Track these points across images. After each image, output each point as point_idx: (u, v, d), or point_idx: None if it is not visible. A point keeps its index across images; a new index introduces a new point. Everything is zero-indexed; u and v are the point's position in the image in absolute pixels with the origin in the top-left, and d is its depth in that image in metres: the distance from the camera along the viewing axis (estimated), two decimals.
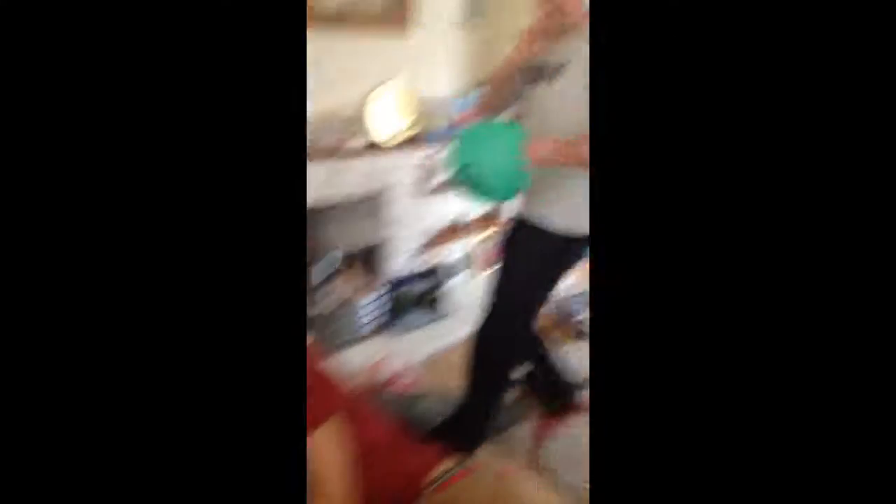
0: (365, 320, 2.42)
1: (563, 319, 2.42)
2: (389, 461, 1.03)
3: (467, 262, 2.75)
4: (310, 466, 0.93)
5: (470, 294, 2.43)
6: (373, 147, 2.23)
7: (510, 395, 1.75)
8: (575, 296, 2.43)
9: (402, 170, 2.32)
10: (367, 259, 2.47)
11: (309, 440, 0.94)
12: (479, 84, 2.30)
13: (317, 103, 2.05)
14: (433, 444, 1.15)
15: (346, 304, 2.35)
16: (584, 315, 2.38)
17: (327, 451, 0.96)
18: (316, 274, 2.30)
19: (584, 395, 1.80)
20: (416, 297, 2.45)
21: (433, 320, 2.45)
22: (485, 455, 1.62)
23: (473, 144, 1.30)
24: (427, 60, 2.46)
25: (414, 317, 2.43)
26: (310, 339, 2.18)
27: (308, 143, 2.02)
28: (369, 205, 2.31)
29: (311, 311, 2.23)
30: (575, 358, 1.93)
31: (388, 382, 2.19)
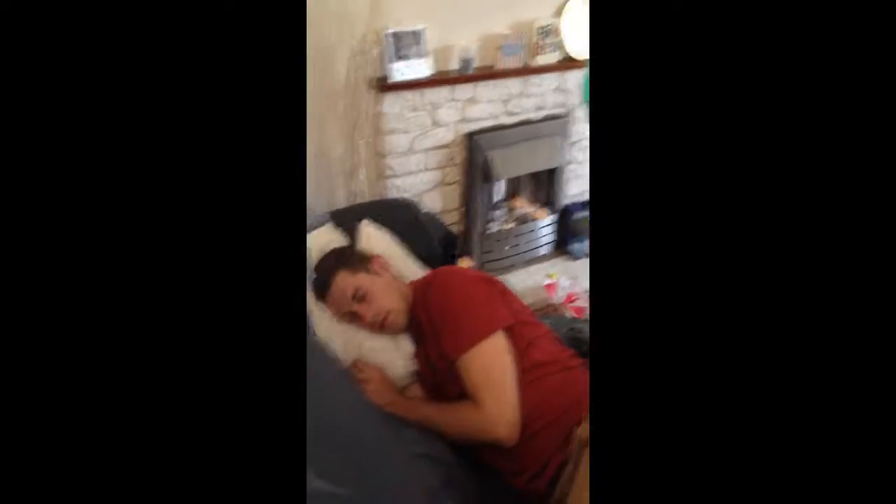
0: (541, 242, 2.42)
1: None
2: (556, 381, 1.04)
3: None
4: (481, 372, 0.99)
5: None
6: (567, 61, 2.13)
7: None
8: None
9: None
10: (546, 181, 2.42)
11: (479, 348, 1.00)
12: None
13: (510, 15, 1.99)
14: None
15: (522, 225, 2.36)
16: None
17: (497, 359, 1.01)
18: (490, 195, 2.32)
19: None
20: None
21: None
22: None
23: None
24: None
25: (588, 244, 2.36)
26: (481, 258, 2.25)
27: (496, 60, 1.98)
28: (552, 125, 2.23)
29: (489, 229, 2.28)
30: None
31: (561, 304, 2.19)
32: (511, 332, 1.05)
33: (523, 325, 1.08)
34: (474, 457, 1.06)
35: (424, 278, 1.17)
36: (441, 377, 1.09)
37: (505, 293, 1.14)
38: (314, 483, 0.53)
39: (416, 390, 1.17)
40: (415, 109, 1.89)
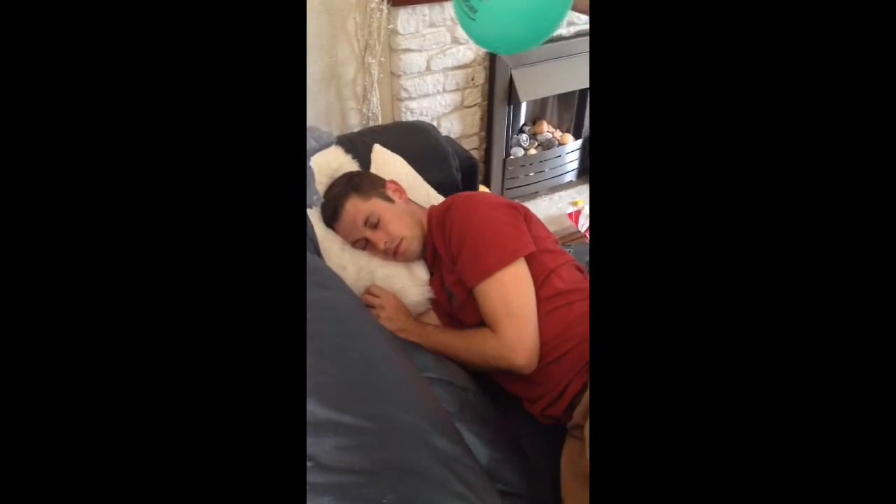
0: (566, 168, 2.33)
1: None
2: (577, 310, 1.01)
3: None
4: (501, 300, 0.97)
5: None
6: None
7: None
8: None
9: None
10: (573, 103, 2.30)
11: (499, 275, 0.97)
12: None
13: None
14: None
15: (547, 151, 2.27)
16: None
17: (517, 287, 0.98)
18: (512, 118, 2.22)
19: None
20: None
21: None
22: None
23: None
24: None
25: None
26: (504, 185, 2.19)
27: None
28: (584, 42, 2.08)
29: (512, 155, 2.20)
30: None
31: (585, 232, 2.14)
32: (532, 259, 1.01)
33: (545, 252, 1.04)
34: (492, 382, 1.05)
35: (442, 203, 1.13)
36: (457, 305, 1.07)
37: (528, 219, 1.09)
38: (316, 412, 0.51)
39: (432, 318, 1.16)
40: (432, 25, 1.77)
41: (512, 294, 0.98)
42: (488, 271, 0.97)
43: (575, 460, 0.95)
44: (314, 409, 0.50)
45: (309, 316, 0.57)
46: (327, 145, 1.01)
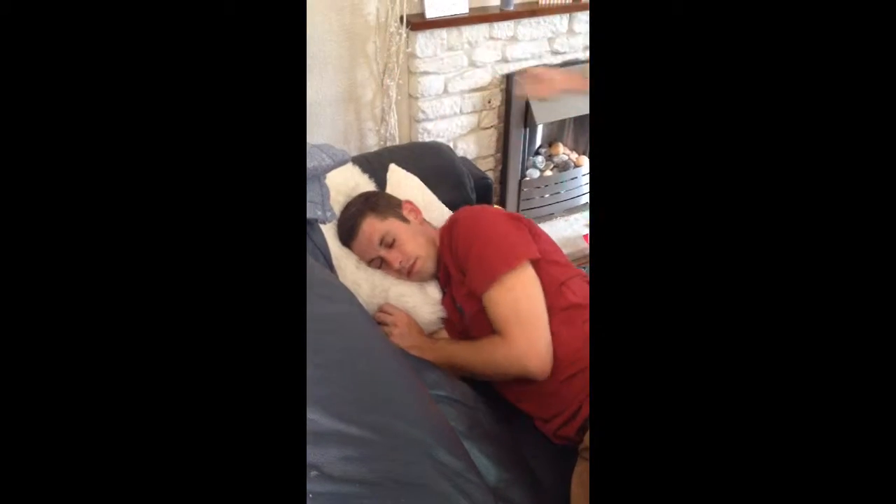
0: (581, 190, 2.33)
1: None
2: (587, 326, 0.99)
3: None
4: (509, 305, 0.97)
5: None
6: None
7: None
8: None
9: None
10: (586, 129, 2.31)
11: (506, 280, 0.97)
12: None
13: None
14: None
15: (562, 173, 2.27)
16: None
17: (525, 291, 0.98)
18: (529, 140, 2.23)
19: None
20: None
21: None
22: None
23: None
24: None
25: None
26: (519, 206, 2.19)
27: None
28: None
29: (527, 176, 2.21)
30: None
31: None
32: (539, 267, 1.01)
33: (552, 263, 1.04)
34: (506, 400, 1.04)
35: (448, 219, 1.14)
36: (468, 321, 1.07)
37: (533, 231, 1.09)
38: (320, 421, 0.51)
39: (443, 336, 1.16)
40: (450, 49, 1.81)
41: (520, 299, 0.97)
42: (495, 275, 0.97)
43: (586, 482, 0.93)
44: (319, 419, 0.50)
45: (316, 328, 0.58)
46: (342, 163, 1.03)
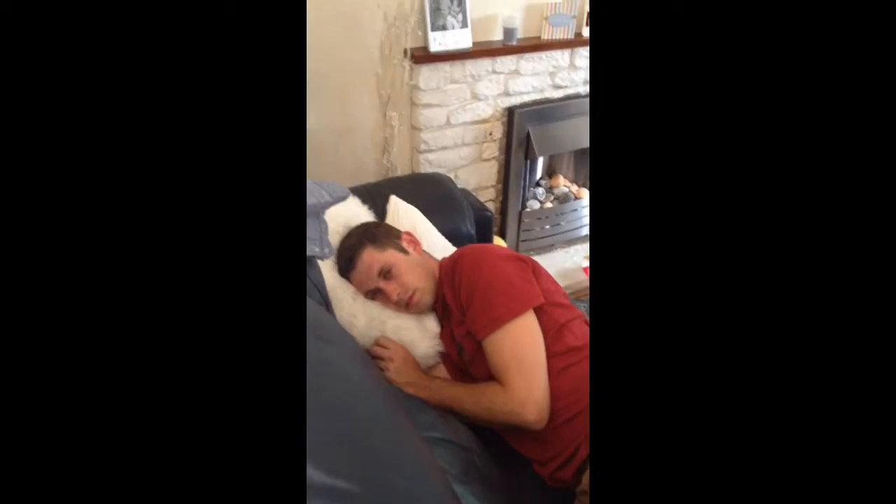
0: (582, 222, 2.33)
1: None
2: (586, 367, 0.98)
3: None
4: (510, 353, 0.96)
5: None
6: None
7: None
8: None
9: None
10: (586, 161, 2.32)
11: (508, 328, 0.96)
12: None
13: None
14: None
15: (563, 204, 2.28)
16: None
17: (526, 339, 0.97)
18: (529, 172, 2.24)
19: None
20: None
21: None
22: None
23: None
24: None
25: None
26: (519, 237, 2.19)
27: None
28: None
29: (528, 208, 2.21)
30: None
31: None
32: (542, 312, 1.00)
33: (555, 306, 1.03)
34: (503, 442, 1.02)
35: (452, 255, 1.13)
36: (467, 358, 1.06)
37: (537, 272, 1.09)
38: (311, 474, 0.50)
39: (441, 371, 1.14)
40: (454, 82, 1.83)
41: (522, 347, 0.96)
42: (498, 322, 0.96)
43: None
44: (311, 473, 0.49)
45: (310, 371, 0.56)
46: (341, 199, 1.03)
